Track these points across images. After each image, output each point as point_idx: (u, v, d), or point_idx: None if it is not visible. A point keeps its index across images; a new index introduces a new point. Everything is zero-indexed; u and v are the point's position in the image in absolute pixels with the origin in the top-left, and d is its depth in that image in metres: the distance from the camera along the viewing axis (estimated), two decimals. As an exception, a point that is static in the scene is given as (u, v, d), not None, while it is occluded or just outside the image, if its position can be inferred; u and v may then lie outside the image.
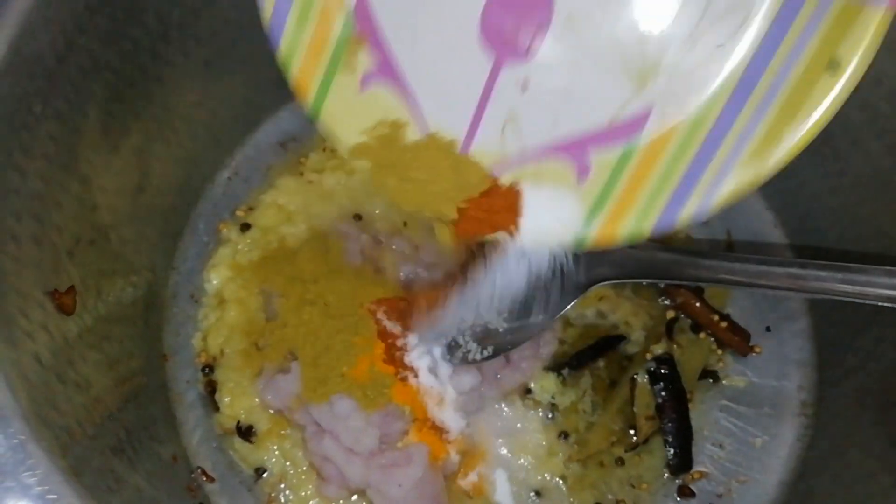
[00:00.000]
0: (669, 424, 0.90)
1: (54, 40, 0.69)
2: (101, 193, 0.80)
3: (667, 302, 0.97)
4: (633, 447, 0.90)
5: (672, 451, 0.90)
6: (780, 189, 1.01)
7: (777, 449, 0.92)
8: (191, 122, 0.96)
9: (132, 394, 0.78)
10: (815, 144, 0.91)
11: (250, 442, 0.87)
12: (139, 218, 0.89)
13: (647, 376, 0.92)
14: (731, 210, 0.93)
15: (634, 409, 0.91)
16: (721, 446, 0.92)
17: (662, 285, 0.97)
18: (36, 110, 0.67)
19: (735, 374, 0.96)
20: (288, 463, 0.87)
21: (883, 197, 0.86)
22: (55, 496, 0.46)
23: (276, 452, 0.87)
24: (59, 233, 0.71)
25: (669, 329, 0.96)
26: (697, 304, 0.96)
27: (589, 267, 0.83)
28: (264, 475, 0.87)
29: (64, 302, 0.67)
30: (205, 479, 0.85)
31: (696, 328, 0.97)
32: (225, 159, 1.05)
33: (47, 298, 0.65)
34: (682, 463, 0.90)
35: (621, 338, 0.95)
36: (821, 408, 0.92)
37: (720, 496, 0.90)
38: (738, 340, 0.95)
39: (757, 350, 0.96)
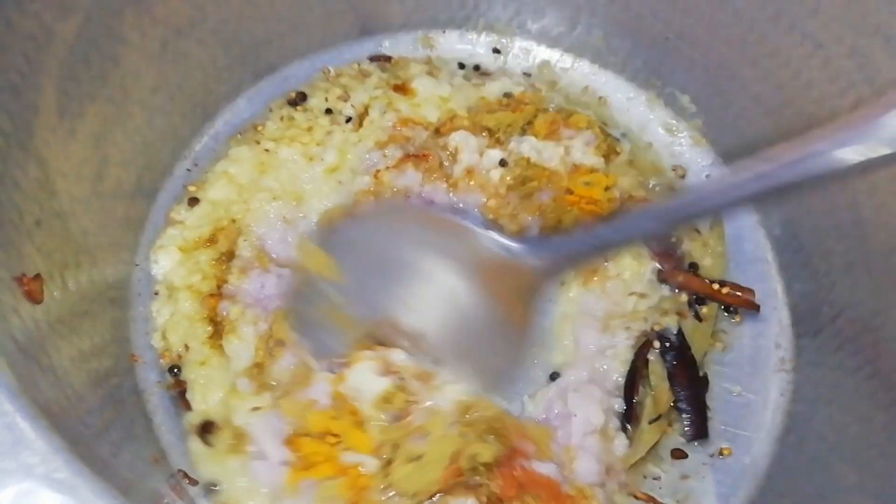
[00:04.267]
0: (682, 392, 0.90)
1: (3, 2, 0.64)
2: (61, 178, 0.75)
3: (666, 286, 0.96)
4: (656, 418, 0.88)
5: (687, 418, 0.89)
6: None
7: (762, 405, 0.93)
8: (148, 109, 0.92)
9: (108, 395, 0.73)
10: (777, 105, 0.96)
11: (209, 444, 0.81)
12: (99, 208, 0.84)
13: (657, 347, 0.91)
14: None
15: (651, 383, 0.89)
16: (708, 407, 0.93)
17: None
18: (-11, 77, 0.62)
19: (715, 337, 0.97)
20: (244, 481, 0.79)
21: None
22: (62, 475, 0.41)
23: (235, 466, 0.79)
24: (20, 214, 0.66)
25: (691, 304, 0.95)
26: (697, 280, 0.96)
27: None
28: (217, 488, 0.80)
29: (32, 289, 0.62)
30: (187, 481, 0.80)
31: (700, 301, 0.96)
32: (184, 150, 1.01)
33: (15, 283, 0.60)
34: (697, 430, 0.90)
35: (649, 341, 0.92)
36: (800, 362, 0.94)
37: (711, 455, 0.90)
38: (744, 299, 0.96)
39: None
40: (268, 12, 1.00)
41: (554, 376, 0.88)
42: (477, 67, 1.13)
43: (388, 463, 0.76)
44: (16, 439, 0.42)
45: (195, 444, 0.81)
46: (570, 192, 0.97)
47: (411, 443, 0.77)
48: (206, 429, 0.81)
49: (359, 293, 0.84)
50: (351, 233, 0.88)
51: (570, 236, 0.87)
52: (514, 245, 0.83)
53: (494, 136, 1.01)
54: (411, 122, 1.00)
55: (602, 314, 0.91)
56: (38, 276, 0.64)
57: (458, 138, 0.98)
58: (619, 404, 0.88)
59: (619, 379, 0.89)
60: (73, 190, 0.77)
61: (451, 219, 0.86)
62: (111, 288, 0.85)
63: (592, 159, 0.99)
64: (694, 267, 0.98)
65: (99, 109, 0.82)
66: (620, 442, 0.86)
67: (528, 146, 0.99)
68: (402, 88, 1.05)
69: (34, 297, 0.63)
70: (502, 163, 0.97)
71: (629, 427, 0.87)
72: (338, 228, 0.90)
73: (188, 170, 1.00)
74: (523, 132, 1.02)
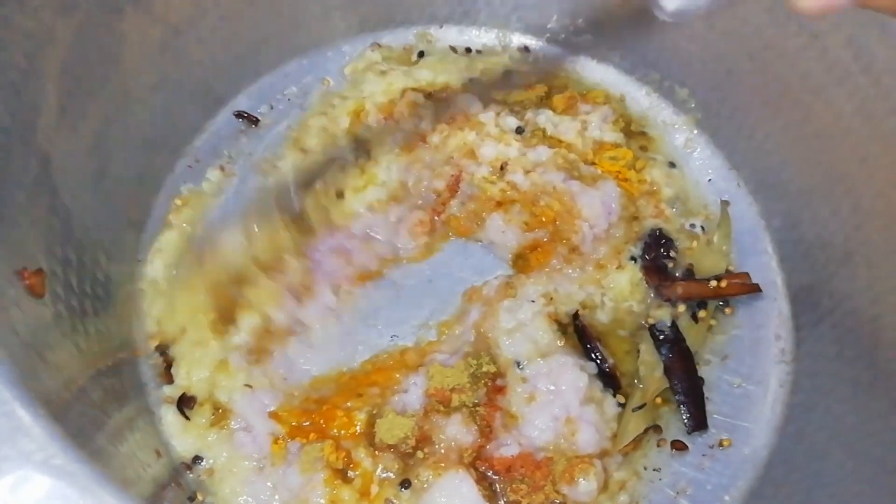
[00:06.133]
0: (679, 384, 0.90)
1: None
2: (62, 175, 0.76)
3: (666, 301, 0.95)
4: (640, 407, 0.88)
5: (686, 410, 0.89)
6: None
7: (762, 396, 0.93)
8: (149, 107, 0.93)
9: (110, 388, 0.74)
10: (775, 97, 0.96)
11: (186, 417, 0.82)
12: (101, 205, 0.85)
13: (650, 340, 0.91)
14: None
15: (641, 374, 0.90)
16: (708, 399, 0.93)
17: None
18: (-11, 75, 0.63)
19: (713, 330, 0.97)
20: (225, 455, 0.80)
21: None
22: (60, 461, 0.42)
23: (214, 440, 0.81)
24: (22, 210, 0.67)
25: (689, 307, 0.95)
26: (696, 285, 0.95)
27: None
28: (201, 464, 0.81)
29: (33, 283, 0.63)
30: (189, 473, 0.81)
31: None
32: (184, 147, 1.02)
33: (16, 277, 0.61)
34: (697, 422, 0.89)
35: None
36: (800, 353, 0.94)
37: (711, 447, 0.90)
38: (742, 286, 0.96)
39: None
40: (267, 10, 1.01)
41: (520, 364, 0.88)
42: (468, 50, 1.13)
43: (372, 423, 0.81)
44: (14, 427, 0.43)
45: (170, 415, 0.82)
46: (593, 165, 0.98)
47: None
48: (184, 402, 0.82)
49: None
50: None
51: None
52: None
53: (509, 106, 1.02)
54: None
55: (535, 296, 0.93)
56: (39, 271, 0.66)
57: (461, 102, 0.99)
58: (591, 367, 0.89)
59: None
60: (74, 187, 0.78)
61: None
62: (113, 284, 0.86)
63: (612, 135, 1.01)
64: (689, 272, 0.97)
65: (100, 107, 0.83)
66: (610, 402, 0.88)
67: (545, 118, 1.00)
68: None
69: (35, 291, 0.64)
70: (519, 130, 0.99)
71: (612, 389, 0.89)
72: None
73: (189, 167, 1.01)
74: (539, 106, 1.03)
